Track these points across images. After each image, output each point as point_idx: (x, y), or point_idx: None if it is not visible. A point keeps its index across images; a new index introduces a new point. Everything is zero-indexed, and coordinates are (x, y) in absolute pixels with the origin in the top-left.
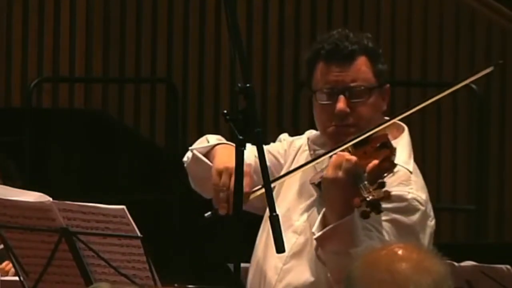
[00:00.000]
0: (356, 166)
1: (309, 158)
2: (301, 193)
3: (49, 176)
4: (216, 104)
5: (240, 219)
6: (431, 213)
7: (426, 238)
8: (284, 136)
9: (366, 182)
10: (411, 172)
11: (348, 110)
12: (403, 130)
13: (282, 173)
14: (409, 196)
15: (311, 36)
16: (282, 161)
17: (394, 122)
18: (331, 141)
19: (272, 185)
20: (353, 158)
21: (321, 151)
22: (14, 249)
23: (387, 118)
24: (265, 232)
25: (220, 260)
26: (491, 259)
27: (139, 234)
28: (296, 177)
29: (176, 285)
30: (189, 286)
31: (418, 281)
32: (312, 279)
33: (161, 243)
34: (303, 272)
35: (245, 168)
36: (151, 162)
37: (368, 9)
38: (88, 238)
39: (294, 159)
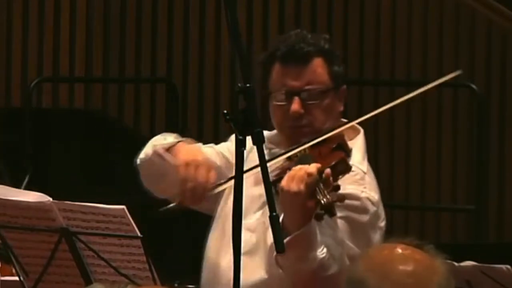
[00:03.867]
0: (317, 178)
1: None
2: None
3: (49, 176)
4: (216, 104)
5: (241, 218)
6: (383, 215)
7: (376, 239)
8: (233, 137)
9: (321, 185)
10: (365, 173)
11: (302, 111)
12: (358, 132)
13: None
14: (362, 195)
15: None
16: (231, 160)
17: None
18: (288, 141)
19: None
20: (314, 172)
21: (276, 150)
22: (14, 249)
23: (344, 120)
24: (216, 231)
25: None
26: (491, 259)
27: (139, 234)
28: (248, 175)
29: (176, 285)
30: (189, 286)
31: (438, 281)
32: (265, 276)
33: (161, 243)
34: (256, 270)
35: (212, 163)
36: None
37: (368, 9)
38: (88, 238)
39: (246, 157)
